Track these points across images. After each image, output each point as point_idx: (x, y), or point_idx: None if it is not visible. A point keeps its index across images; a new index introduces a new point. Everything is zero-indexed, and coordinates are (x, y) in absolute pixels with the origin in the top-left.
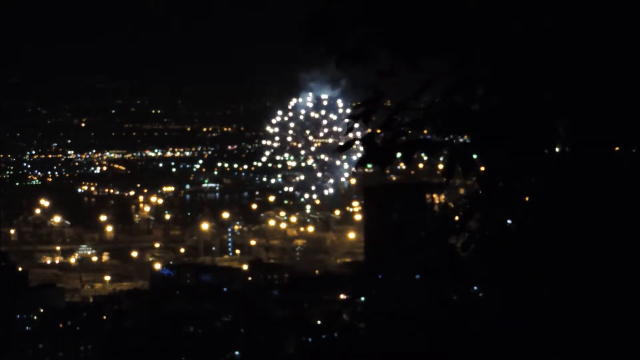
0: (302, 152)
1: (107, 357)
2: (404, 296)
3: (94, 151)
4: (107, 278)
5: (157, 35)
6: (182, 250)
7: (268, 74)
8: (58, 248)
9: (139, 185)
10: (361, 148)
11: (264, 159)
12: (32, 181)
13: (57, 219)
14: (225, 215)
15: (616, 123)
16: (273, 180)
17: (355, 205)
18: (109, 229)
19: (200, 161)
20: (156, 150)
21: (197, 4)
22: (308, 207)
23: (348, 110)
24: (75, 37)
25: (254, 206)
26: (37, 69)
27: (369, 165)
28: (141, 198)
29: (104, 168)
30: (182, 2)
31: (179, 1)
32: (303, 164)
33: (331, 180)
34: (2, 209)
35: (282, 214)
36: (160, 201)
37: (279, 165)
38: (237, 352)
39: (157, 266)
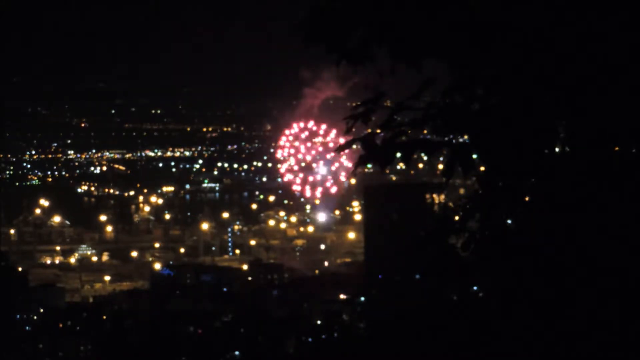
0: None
1: (107, 357)
2: (404, 296)
3: (94, 151)
4: (107, 278)
5: (157, 36)
6: (182, 250)
7: (269, 74)
8: (58, 248)
9: (139, 185)
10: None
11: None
12: (32, 181)
13: (57, 219)
14: (225, 215)
15: (616, 123)
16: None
17: (355, 205)
18: (109, 229)
19: (200, 161)
20: (156, 150)
21: (197, 4)
22: (308, 207)
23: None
24: (76, 37)
25: (254, 206)
26: (37, 69)
27: (369, 165)
28: (141, 198)
29: (104, 168)
30: (182, 2)
31: (179, 1)
32: (303, 164)
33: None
34: (2, 209)
35: (282, 214)
36: (160, 201)
37: (279, 165)
38: (237, 352)
39: (157, 266)
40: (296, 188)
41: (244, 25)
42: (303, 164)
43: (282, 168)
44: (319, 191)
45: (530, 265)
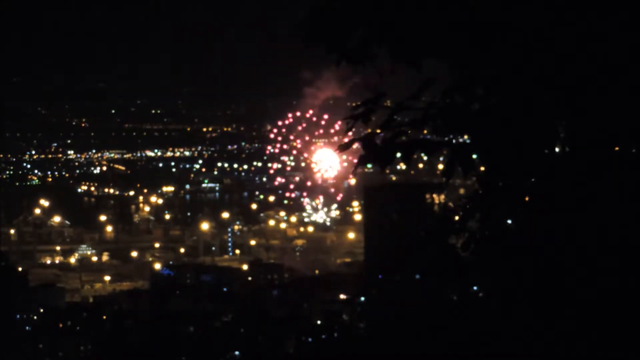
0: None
1: (107, 357)
2: (404, 296)
3: (94, 151)
4: (107, 278)
5: (157, 36)
6: (182, 250)
7: (269, 74)
8: (58, 248)
9: (139, 185)
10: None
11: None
12: (32, 181)
13: (57, 219)
14: (225, 215)
15: (616, 123)
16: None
17: (355, 205)
18: (109, 229)
19: (200, 161)
20: (156, 150)
21: (197, 4)
22: (308, 207)
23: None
24: (76, 37)
25: (254, 206)
26: (37, 69)
27: (369, 165)
28: (141, 198)
29: (104, 168)
30: (183, 2)
31: (179, 1)
32: (303, 164)
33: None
34: (2, 209)
35: (282, 214)
36: (160, 201)
37: (279, 165)
38: (237, 352)
39: (157, 266)
40: (292, 193)
41: (244, 25)
42: (303, 164)
43: (273, 169)
44: (320, 198)
45: (530, 265)
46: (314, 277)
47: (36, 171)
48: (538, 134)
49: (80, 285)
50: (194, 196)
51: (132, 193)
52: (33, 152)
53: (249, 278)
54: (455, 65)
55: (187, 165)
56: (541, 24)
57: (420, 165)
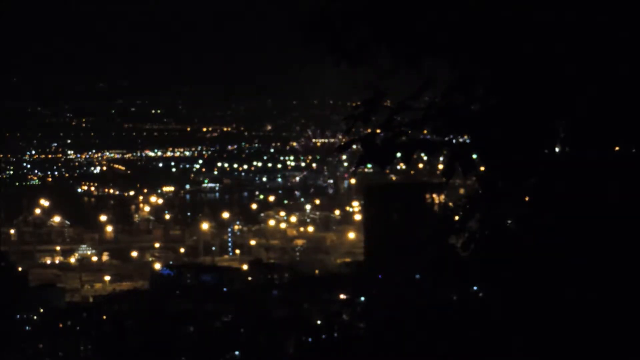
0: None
1: (107, 357)
2: (404, 296)
3: (94, 151)
4: (107, 278)
5: (157, 35)
6: (182, 250)
7: (269, 74)
8: (58, 248)
9: (139, 185)
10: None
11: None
12: (32, 181)
13: (57, 219)
14: (225, 215)
15: (616, 123)
16: (276, 180)
17: (355, 205)
18: (109, 229)
19: (200, 161)
20: (156, 150)
21: (197, 4)
22: (308, 207)
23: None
24: (76, 37)
25: (254, 206)
26: (37, 69)
27: (369, 165)
28: (141, 198)
29: (104, 168)
30: (183, 1)
31: (179, 0)
32: (303, 164)
33: (330, 180)
34: (2, 209)
35: (282, 214)
36: (160, 201)
37: (279, 165)
38: (237, 352)
39: (157, 266)
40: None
41: (244, 25)
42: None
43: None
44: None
45: (531, 265)
46: (314, 277)
47: (36, 171)
48: (538, 134)
49: (80, 285)
50: (194, 196)
51: (132, 193)
52: (33, 152)
53: (249, 278)
54: (455, 65)
55: (187, 165)
56: (541, 24)
57: (420, 165)
